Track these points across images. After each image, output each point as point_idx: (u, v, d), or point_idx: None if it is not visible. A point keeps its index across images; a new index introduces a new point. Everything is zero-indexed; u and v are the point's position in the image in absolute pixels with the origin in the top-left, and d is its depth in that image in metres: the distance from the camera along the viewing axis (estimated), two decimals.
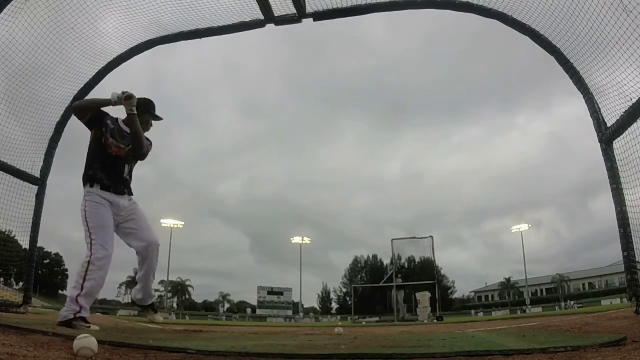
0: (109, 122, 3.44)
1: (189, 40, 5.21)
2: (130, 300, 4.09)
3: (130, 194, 3.56)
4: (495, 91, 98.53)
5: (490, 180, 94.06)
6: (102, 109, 3.47)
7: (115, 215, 3.38)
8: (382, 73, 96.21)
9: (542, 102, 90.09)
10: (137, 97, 3.41)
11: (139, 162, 3.65)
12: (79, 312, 3.05)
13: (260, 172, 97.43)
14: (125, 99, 3.34)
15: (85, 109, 3.44)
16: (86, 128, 3.46)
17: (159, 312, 4.05)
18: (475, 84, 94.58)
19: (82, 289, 3.06)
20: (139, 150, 3.50)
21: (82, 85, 5.20)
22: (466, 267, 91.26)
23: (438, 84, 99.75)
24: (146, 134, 3.57)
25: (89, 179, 3.36)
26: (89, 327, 2.97)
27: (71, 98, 5.20)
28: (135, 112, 3.39)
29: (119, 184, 3.44)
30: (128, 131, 3.47)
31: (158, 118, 3.65)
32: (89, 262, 3.11)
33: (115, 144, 3.41)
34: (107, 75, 5.32)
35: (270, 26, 4.86)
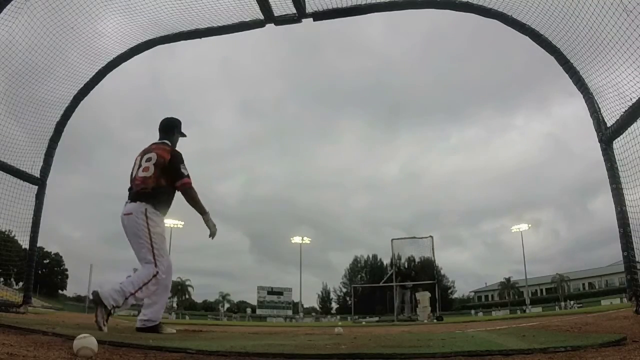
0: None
1: (188, 41, 5.22)
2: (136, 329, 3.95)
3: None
4: (493, 92, 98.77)
5: (489, 180, 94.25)
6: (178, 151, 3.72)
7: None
8: (381, 73, 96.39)
9: (540, 102, 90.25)
10: (169, 117, 3.87)
11: None
12: (119, 307, 3.26)
13: (259, 172, 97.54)
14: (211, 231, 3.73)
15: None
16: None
17: (169, 325, 4.07)
18: (473, 84, 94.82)
19: (136, 292, 3.28)
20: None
21: (82, 85, 5.20)
22: (465, 267, 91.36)
23: (436, 85, 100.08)
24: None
25: (161, 209, 3.55)
26: (103, 328, 3.08)
27: (71, 98, 5.20)
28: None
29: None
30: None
31: (184, 135, 3.96)
32: (155, 276, 3.36)
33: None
34: (107, 75, 5.32)
35: (269, 26, 4.86)
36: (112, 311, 3.21)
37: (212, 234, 3.70)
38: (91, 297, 3.22)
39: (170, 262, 3.64)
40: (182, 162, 3.61)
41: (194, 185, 3.62)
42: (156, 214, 3.47)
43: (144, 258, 3.39)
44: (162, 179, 3.52)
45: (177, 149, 3.79)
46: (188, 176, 3.58)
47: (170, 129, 3.83)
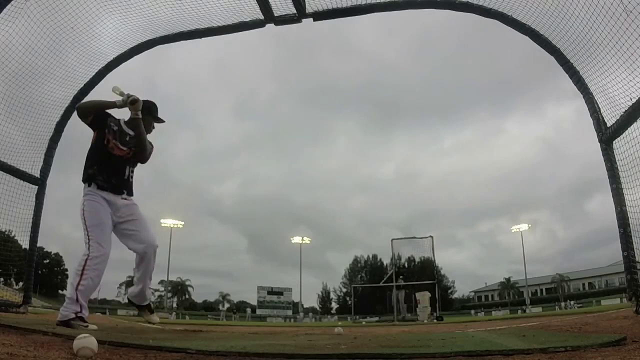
0: (112, 124, 3.46)
1: (183, 43, 5.22)
2: (127, 300, 4.11)
3: (131, 194, 3.56)
4: (487, 93, 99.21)
5: (485, 181, 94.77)
6: (106, 110, 3.48)
7: (113, 215, 3.39)
8: (375, 75, 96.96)
9: (534, 103, 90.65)
10: (141, 99, 3.43)
11: (139, 164, 3.67)
12: (80, 311, 3.07)
13: (255, 173, 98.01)
14: (130, 102, 3.35)
15: (89, 110, 3.44)
16: (87, 129, 3.48)
17: (155, 313, 4.05)
18: (467, 86, 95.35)
19: (78, 287, 3.08)
20: (142, 153, 3.53)
21: (81, 86, 5.20)
22: (464, 267, 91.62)
23: (430, 86, 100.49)
24: (148, 137, 3.60)
25: (88, 178, 3.38)
26: (87, 326, 2.98)
27: (71, 99, 5.20)
28: (140, 116, 3.41)
29: (119, 185, 3.45)
30: (131, 133, 3.49)
31: (161, 121, 3.69)
32: (86, 259, 3.14)
33: (118, 145, 3.43)
34: (107, 76, 5.31)
35: (265, 27, 4.85)
36: (78, 316, 3.07)
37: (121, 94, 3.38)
38: (59, 324, 3.05)
39: (149, 239, 3.49)
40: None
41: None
42: (91, 192, 3.34)
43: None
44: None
45: (152, 134, 3.63)
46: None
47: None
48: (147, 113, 3.55)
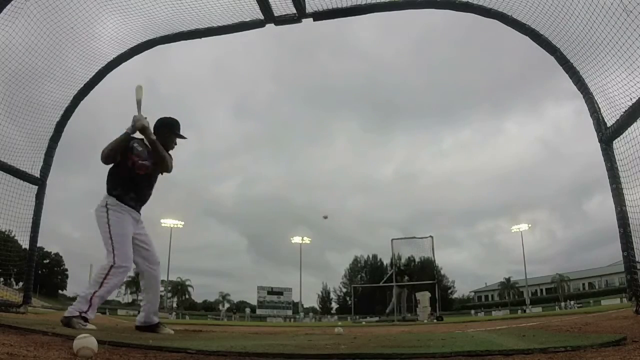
0: (135, 144, 3.58)
1: (182, 43, 5.22)
2: (138, 328, 3.91)
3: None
4: (487, 93, 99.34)
5: (484, 181, 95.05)
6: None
7: (133, 227, 3.55)
8: (374, 75, 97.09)
9: (534, 104, 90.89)
10: (161, 117, 3.72)
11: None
12: (86, 312, 3.15)
13: (255, 173, 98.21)
14: (141, 132, 3.53)
15: (112, 156, 3.51)
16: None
17: (167, 325, 4.03)
18: (466, 86, 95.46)
19: (96, 293, 3.18)
20: (165, 170, 3.70)
21: (81, 86, 5.20)
22: (463, 267, 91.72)
23: (430, 86, 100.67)
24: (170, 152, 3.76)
25: (113, 195, 3.47)
26: (86, 326, 3.00)
27: (71, 99, 5.20)
28: (154, 138, 3.56)
29: (143, 201, 3.64)
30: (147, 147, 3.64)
31: (182, 137, 3.81)
32: (111, 267, 3.24)
33: (143, 163, 3.56)
34: (107, 76, 5.31)
35: (264, 27, 4.85)
36: (82, 316, 3.12)
37: (135, 123, 3.52)
38: (63, 320, 3.13)
39: (156, 259, 3.64)
40: None
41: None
42: (118, 205, 3.42)
43: (106, 252, 3.35)
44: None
45: (172, 150, 3.75)
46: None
47: (158, 128, 3.70)
48: (169, 130, 3.72)
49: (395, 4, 4.69)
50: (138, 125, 3.52)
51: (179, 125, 3.79)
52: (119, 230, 3.36)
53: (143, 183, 3.60)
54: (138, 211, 3.61)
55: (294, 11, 4.63)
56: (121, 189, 3.48)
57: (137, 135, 3.61)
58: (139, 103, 3.65)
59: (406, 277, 18.79)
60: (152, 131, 3.63)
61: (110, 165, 3.54)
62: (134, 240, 3.52)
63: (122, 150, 3.50)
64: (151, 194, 3.73)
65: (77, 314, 3.11)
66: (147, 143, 3.59)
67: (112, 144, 3.45)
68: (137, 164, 3.52)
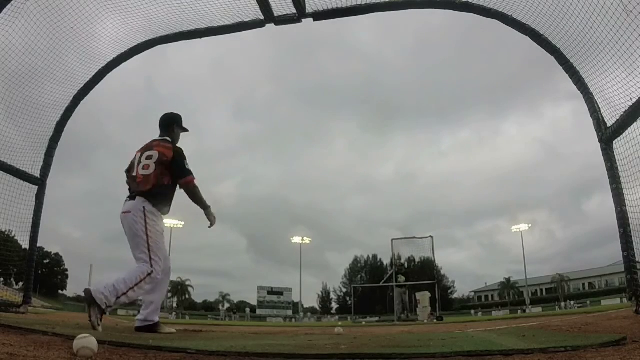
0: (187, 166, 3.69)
1: (181, 43, 5.23)
2: (137, 329, 3.56)
3: None
4: (486, 94, 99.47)
5: (484, 181, 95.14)
6: (179, 147, 3.71)
7: None
8: (374, 75, 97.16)
9: (532, 104, 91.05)
10: (165, 113, 3.83)
11: None
12: (111, 307, 3.19)
13: (254, 173, 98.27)
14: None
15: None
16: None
17: (168, 325, 4.04)
18: (466, 86, 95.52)
19: (128, 291, 3.21)
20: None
21: (81, 86, 5.20)
22: (463, 267, 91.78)
23: (429, 87, 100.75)
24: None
25: (160, 207, 3.52)
26: (98, 326, 3.02)
27: (71, 99, 5.20)
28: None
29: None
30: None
31: (185, 130, 3.91)
32: (149, 275, 3.30)
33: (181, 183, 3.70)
34: (107, 76, 5.31)
35: (263, 28, 4.85)
36: (105, 310, 3.15)
37: (212, 224, 3.75)
38: (83, 294, 3.15)
39: (169, 264, 3.64)
40: (185, 158, 3.58)
41: (196, 181, 3.61)
42: (154, 213, 3.44)
43: (139, 258, 3.35)
44: (164, 177, 3.50)
45: (178, 144, 3.78)
46: (191, 173, 3.57)
47: (170, 124, 3.79)
48: (178, 126, 3.82)
49: (395, 4, 4.69)
50: (213, 221, 3.76)
51: (181, 118, 3.90)
52: (159, 243, 3.41)
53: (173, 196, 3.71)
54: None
55: (294, 11, 4.63)
56: (169, 207, 3.60)
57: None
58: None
59: (402, 277, 18.76)
60: (161, 128, 3.78)
61: (164, 182, 3.54)
62: None
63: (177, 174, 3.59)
64: None
65: (104, 305, 3.09)
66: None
67: (202, 197, 3.66)
68: (181, 185, 3.63)
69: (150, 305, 3.52)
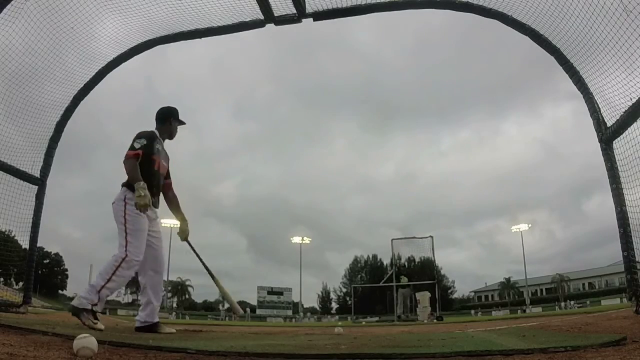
0: (158, 146, 3.65)
1: (181, 43, 5.23)
2: (137, 329, 3.53)
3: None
4: (485, 94, 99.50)
5: (484, 181, 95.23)
6: (150, 130, 3.69)
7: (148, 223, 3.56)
8: (373, 75, 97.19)
9: (532, 104, 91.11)
10: (161, 107, 3.83)
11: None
12: (96, 304, 3.16)
13: (254, 173, 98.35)
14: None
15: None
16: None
17: (168, 325, 4.02)
18: (465, 86, 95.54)
19: (107, 282, 3.17)
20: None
21: (81, 86, 5.20)
22: (463, 267, 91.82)
23: (429, 87, 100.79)
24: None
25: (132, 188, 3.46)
26: (96, 324, 3.00)
27: (71, 99, 5.20)
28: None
29: (156, 196, 3.67)
30: (168, 155, 3.82)
31: (182, 123, 3.91)
32: (123, 259, 3.24)
33: (163, 164, 3.69)
34: (107, 76, 5.31)
35: (263, 28, 4.85)
36: (93, 309, 3.13)
37: (138, 205, 3.32)
38: (70, 312, 3.13)
39: (160, 266, 3.64)
40: (139, 138, 3.52)
41: (133, 155, 3.44)
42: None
43: (119, 244, 3.33)
44: None
45: (174, 137, 3.85)
46: (134, 149, 3.46)
47: (167, 117, 3.81)
48: (175, 119, 3.83)
49: (394, 4, 4.69)
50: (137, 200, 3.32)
51: (177, 111, 3.88)
52: (135, 225, 3.36)
53: (159, 179, 3.68)
54: (155, 206, 3.65)
55: (294, 11, 4.63)
56: (147, 185, 3.47)
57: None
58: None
59: (404, 278, 18.75)
60: (157, 121, 3.77)
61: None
62: (147, 237, 3.53)
63: (149, 147, 3.55)
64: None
65: (89, 306, 3.09)
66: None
67: (134, 170, 3.41)
68: (159, 165, 3.62)
69: (148, 306, 3.52)
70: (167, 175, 3.85)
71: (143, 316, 3.52)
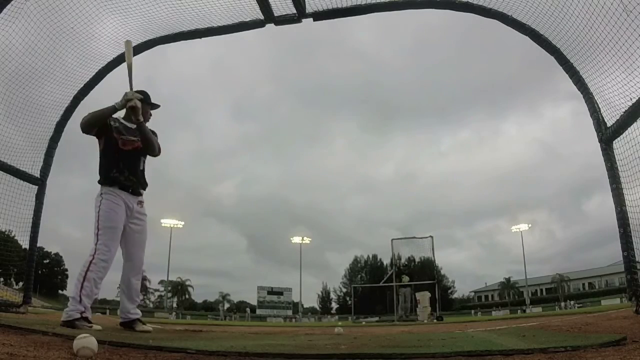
0: (112, 122, 3.51)
1: (182, 42, 5.22)
2: (121, 325, 3.56)
3: (145, 187, 3.64)
4: (485, 94, 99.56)
5: (483, 181, 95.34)
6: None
7: (127, 219, 3.47)
8: (373, 76, 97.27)
9: (532, 105, 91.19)
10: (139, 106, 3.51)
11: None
12: (84, 312, 3.12)
13: (254, 173, 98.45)
14: (130, 110, 3.43)
15: (92, 124, 3.44)
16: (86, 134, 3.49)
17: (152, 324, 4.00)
18: (465, 86, 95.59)
19: (81, 290, 3.12)
20: (152, 152, 3.62)
21: (81, 86, 5.20)
22: (463, 267, 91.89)
23: (428, 87, 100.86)
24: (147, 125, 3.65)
25: (111, 181, 3.42)
26: (92, 327, 3.00)
27: (71, 99, 5.20)
28: (142, 120, 3.45)
29: (137, 182, 3.53)
30: (132, 126, 3.56)
31: (156, 106, 3.74)
32: (90, 262, 3.18)
33: (129, 138, 3.50)
34: (107, 76, 5.31)
35: (263, 28, 4.85)
36: (84, 316, 3.11)
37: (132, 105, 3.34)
38: (64, 325, 3.06)
39: (138, 262, 3.56)
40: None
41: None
42: (110, 193, 3.38)
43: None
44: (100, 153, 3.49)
45: (149, 124, 3.67)
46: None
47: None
48: (145, 103, 3.58)
49: (394, 4, 4.69)
50: (130, 104, 3.36)
51: (148, 95, 3.69)
52: (107, 223, 3.29)
53: (133, 159, 3.51)
54: (138, 193, 3.53)
55: (294, 11, 4.63)
56: (116, 170, 3.41)
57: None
58: (130, 69, 3.49)
59: (406, 277, 18.77)
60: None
61: (99, 156, 3.48)
62: (125, 228, 3.45)
63: (104, 128, 3.42)
64: (144, 174, 3.63)
65: (79, 315, 3.07)
66: (134, 123, 3.49)
67: (95, 112, 3.37)
68: (121, 140, 3.46)
69: (124, 302, 3.53)
70: (146, 151, 3.58)
71: (124, 310, 3.53)
